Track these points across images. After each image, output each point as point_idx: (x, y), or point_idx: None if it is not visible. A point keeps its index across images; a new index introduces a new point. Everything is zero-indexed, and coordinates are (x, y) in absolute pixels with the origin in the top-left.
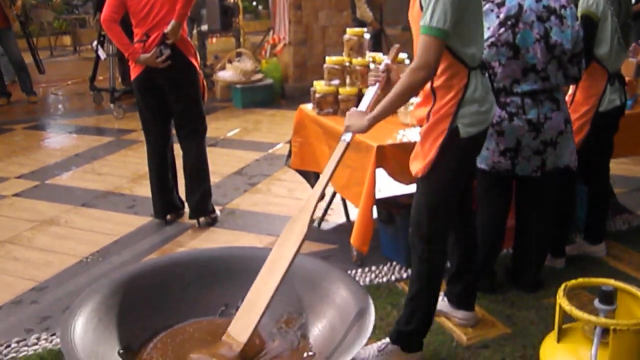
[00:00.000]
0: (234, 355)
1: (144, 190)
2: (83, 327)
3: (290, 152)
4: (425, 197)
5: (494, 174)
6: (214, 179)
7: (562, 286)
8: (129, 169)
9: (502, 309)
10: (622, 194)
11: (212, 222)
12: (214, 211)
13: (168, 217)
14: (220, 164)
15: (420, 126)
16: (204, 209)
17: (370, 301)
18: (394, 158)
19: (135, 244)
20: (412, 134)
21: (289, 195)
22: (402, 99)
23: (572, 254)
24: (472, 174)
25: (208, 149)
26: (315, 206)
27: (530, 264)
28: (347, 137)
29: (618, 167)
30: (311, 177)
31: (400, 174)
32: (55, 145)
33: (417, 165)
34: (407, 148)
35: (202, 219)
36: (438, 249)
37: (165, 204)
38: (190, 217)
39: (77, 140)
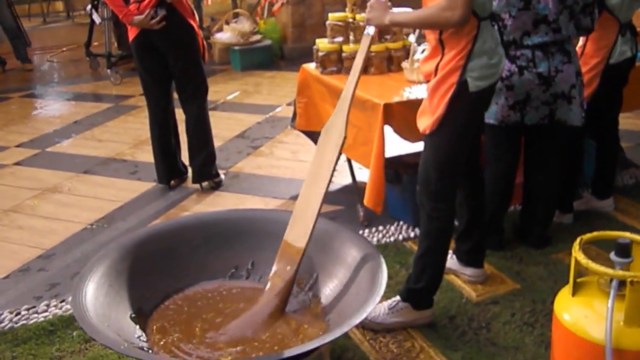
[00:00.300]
0: (294, 268)
1: (146, 155)
2: (94, 292)
3: (294, 113)
4: (433, 153)
5: (503, 128)
6: (216, 142)
7: (578, 240)
8: (130, 135)
9: (510, 266)
10: (628, 148)
11: (216, 186)
12: (217, 175)
13: (172, 182)
14: (222, 127)
15: (428, 81)
16: (206, 172)
17: (382, 260)
18: (400, 116)
19: (140, 209)
20: (419, 91)
21: (293, 157)
22: (421, 23)
23: (579, 209)
24: (481, 130)
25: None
26: (350, 105)
27: (538, 220)
28: (371, 30)
29: (623, 121)
30: (317, 138)
31: (408, 131)
32: (53, 112)
33: (425, 122)
34: (413, 105)
35: (205, 183)
36: (446, 207)
37: (168, 169)
38: (193, 181)
39: (75, 107)
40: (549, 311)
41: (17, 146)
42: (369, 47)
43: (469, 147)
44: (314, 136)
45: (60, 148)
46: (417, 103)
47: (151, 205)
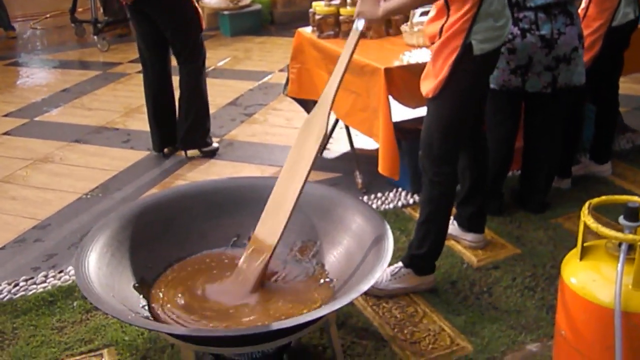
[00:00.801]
0: (263, 262)
1: (138, 124)
2: (96, 262)
3: (287, 79)
4: (436, 118)
5: (504, 92)
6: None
7: (587, 204)
8: (120, 103)
9: (510, 231)
10: (626, 113)
11: (204, 155)
12: (205, 144)
13: (165, 150)
14: (214, 94)
15: (432, 44)
16: (190, 140)
17: (387, 226)
18: (401, 81)
19: (135, 178)
20: (419, 55)
21: (287, 124)
22: (417, 1)
23: (577, 174)
24: (485, 94)
25: None
26: (333, 101)
27: (537, 186)
28: (360, 24)
29: (621, 85)
30: (310, 106)
31: (409, 97)
32: (40, 81)
33: (428, 85)
34: (414, 70)
35: (189, 152)
36: (449, 172)
37: (161, 137)
38: (178, 148)
39: (62, 75)
40: (549, 275)
41: (5, 116)
42: (357, 43)
43: (472, 111)
44: (306, 104)
45: (50, 117)
46: (417, 67)
47: (146, 174)
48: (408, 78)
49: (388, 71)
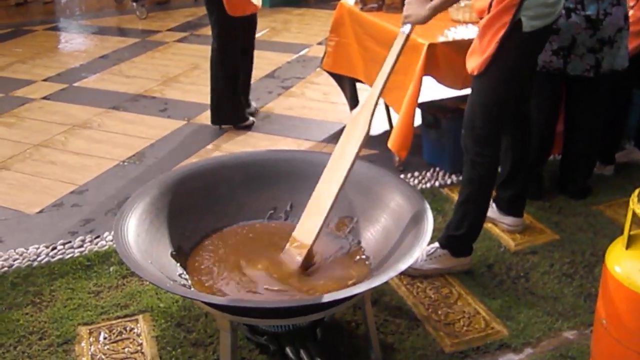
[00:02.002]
0: (301, 258)
1: (175, 93)
2: (135, 229)
3: (325, 52)
4: (480, 96)
5: (544, 74)
6: None
7: (637, 191)
8: (158, 72)
9: (549, 216)
10: None
11: (237, 128)
12: (237, 121)
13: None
14: None
15: (480, 19)
16: (216, 115)
17: (427, 205)
18: (444, 59)
19: (171, 147)
20: (465, 32)
21: (325, 99)
22: None
23: (621, 161)
24: (532, 75)
25: None
26: (376, 102)
27: (578, 171)
28: (406, 28)
29: None
30: (345, 83)
31: (452, 77)
32: (78, 46)
33: (474, 62)
34: (459, 47)
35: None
36: (491, 152)
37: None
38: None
39: (100, 41)
40: (588, 263)
41: (44, 80)
42: (403, 48)
43: (517, 91)
44: (340, 80)
45: (88, 83)
46: (462, 44)
47: (183, 144)
48: (452, 56)
49: (431, 47)
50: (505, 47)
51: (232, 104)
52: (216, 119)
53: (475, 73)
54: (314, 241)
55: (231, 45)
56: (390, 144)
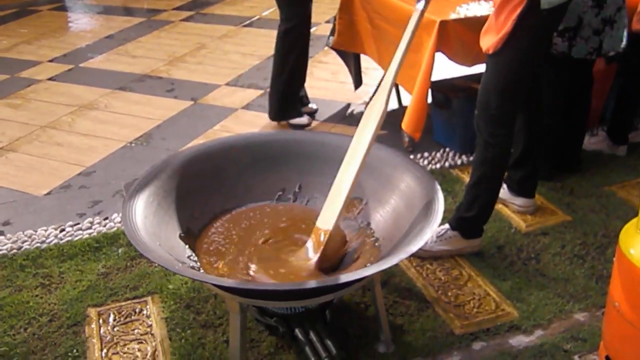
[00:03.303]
0: (322, 244)
1: (182, 73)
2: (143, 211)
3: (332, 31)
4: (495, 75)
5: (548, 58)
6: (253, 61)
7: None
8: (164, 51)
9: (561, 197)
10: None
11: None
12: (288, 116)
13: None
14: (259, 45)
15: None
16: (271, 108)
17: (438, 187)
18: (456, 36)
19: (179, 128)
20: (477, 8)
21: (333, 78)
22: None
23: (634, 141)
24: (546, 54)
25: (243, 30)
26: (393, 82)
27: (575, 145)
28: (421, 5)
29: None
30: (351, 61)
31: (463, 53)
32: (84, 26)
33: (489, 40)
34: (471, 23)
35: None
36: (505, 133)
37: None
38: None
39: (106, 21)
40: (600, 244)
41: (50, 61)
42: (417, 25)
43: (532, 70)
44: (346, 58)
45: (94, 63)
46: (474, 21)
47: (189, 124)
48: (464, 33)
49: (443, 24)
50: (522, 25)
51: (287, 98)
52: (271, 114)
53: (490, 52)
54: (333, 229)
55: (291, 31)
56: (404, 126)
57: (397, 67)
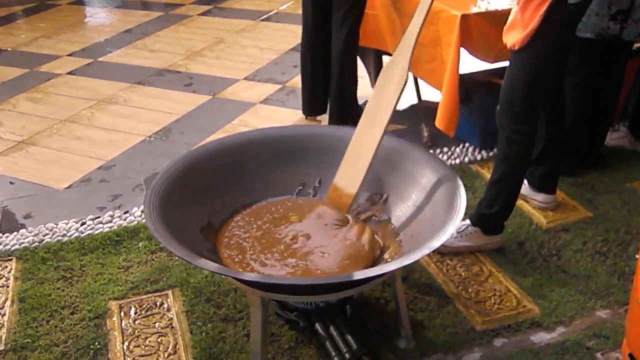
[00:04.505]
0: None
1: (200, 67)
2: (164, 205)
3: None
4: (520, 71)
5: (600, 43)
6: (270, 55)
7: None
8: (183, 46)
9: (582, 193)
10: None
11: None
12: (351, 117)
13: (315, 117)
14: (276, 39)
15: None
16: (338, 114)
17: (460, 181)
18: (477, 30)
19: (197, 122)
20: (498, 2)
21: None
22: None
23: None
24: (570, 49)
25: (260, 24)
26: (413, 48)
27: (598, 140)
28: None
29: None
30: (369, 57)
31: (485, 49)
32: (102, 21)
33: (515, 36)
34: (492, 18)
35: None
36: (528, 130)
37: (310, 100)
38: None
39: (124, 15)
40: (622, 241)
41: (69, 55)
42: (430, 7)
43: (559, 66)
44: (365, 54)
45: (113, 58)
46: (497, 15)
47: (208, 119)
48: (486, 27)
49: (465, 18)
50: (550, 20)
51: (350, 99)
52: (332, 118)
53: (516, 48)
54: (359, 190)
55: (350, 29)
56: (437, 123)
57: (418, 31)
